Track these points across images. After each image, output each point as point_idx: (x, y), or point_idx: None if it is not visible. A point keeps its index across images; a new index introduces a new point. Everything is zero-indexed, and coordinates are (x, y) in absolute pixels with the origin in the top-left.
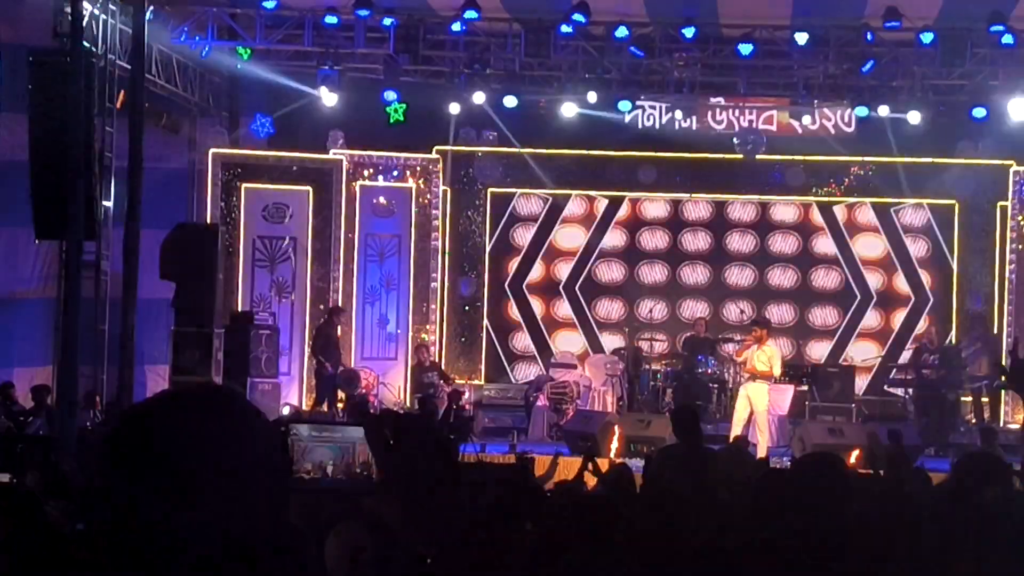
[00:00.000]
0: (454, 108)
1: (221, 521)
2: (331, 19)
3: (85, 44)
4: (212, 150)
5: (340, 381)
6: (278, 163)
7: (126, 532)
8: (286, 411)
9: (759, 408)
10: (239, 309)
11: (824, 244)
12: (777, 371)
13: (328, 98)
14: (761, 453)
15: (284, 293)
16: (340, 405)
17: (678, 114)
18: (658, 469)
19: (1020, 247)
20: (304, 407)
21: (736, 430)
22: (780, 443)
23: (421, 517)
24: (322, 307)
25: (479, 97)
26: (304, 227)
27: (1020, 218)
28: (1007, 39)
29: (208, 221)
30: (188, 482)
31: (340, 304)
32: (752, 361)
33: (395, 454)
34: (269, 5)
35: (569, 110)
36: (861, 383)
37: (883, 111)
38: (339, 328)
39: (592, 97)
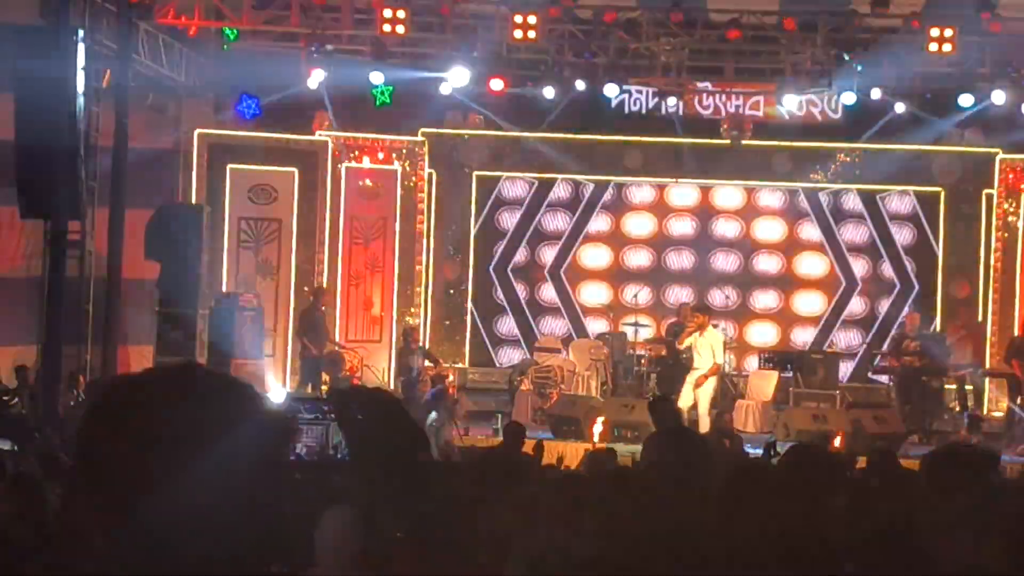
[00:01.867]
0: (444, 89)
1: (202, 498)
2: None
3: (71, 23)
4: (198, 130)
5: (324, 363)
6: (264, 144)
7: (107, 502)
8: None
9: (703, 408)
10: (224, 290)
11: (810, 231)
12: (719, 359)
13: (314, 79)
14: None
15: (269, 274)
16: (324, 387)
17: (666, 99)
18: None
19: (1005, 235)
20: (288, 389)
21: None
22: (764, 429)
23: (390, 493)
24: (307, 289)
25: (465, 78)
26: (289, 209)
27: (1006, 206)
28: (994, 27)
29: (194, 202)
30: (169, 454)
31: (325, 286)
32: (695, 348)
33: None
34: None
35: (555, 94)
36: (845, 370)
37: (875, 94)
38: (324, 310)
39: (580, 82)
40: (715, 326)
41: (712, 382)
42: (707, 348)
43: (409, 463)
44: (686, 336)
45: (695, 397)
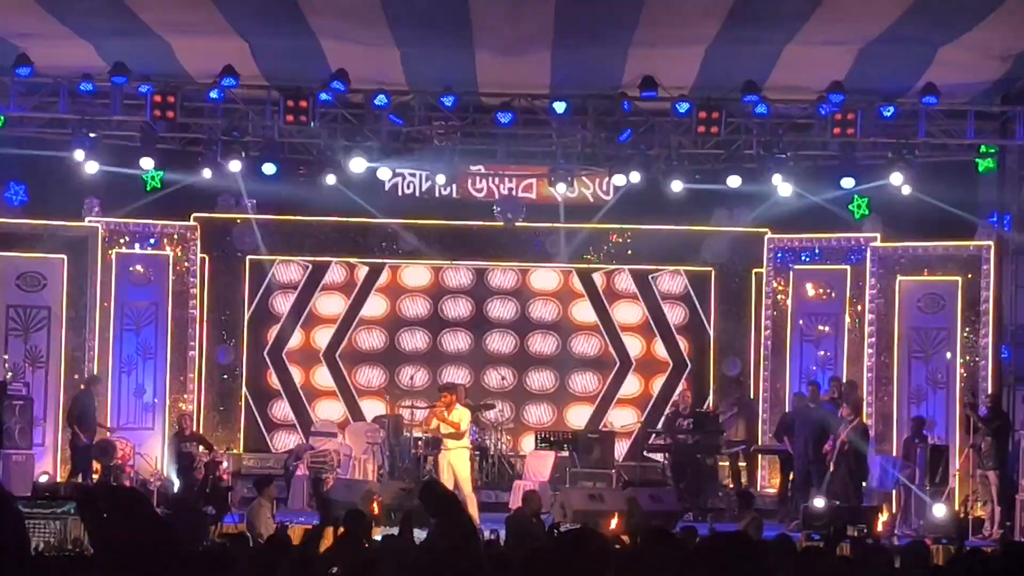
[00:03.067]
0: (211, 175)
1: None
2: (87, 86)
3: None
4: None
5: (95, 452)
6: (32, 231)
7: None
8: (43, 479)
9: (462, 475)
10: None
11: (583, 311)
12: (465, 426)
13: (85, 166)
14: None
15: (38, 363)
16: (95, 476)
17: (439, 181)
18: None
19: (775, 313)
20: (59, 478)
21: None
22: (542, 510)
23: None
24: (77, 377)
25: (236, 165)
26: (59, 296)
27: (775, 284)
28: (760, 109)
29: None
30: None
31: (96, 374)
32: (443, 427)
33: (107, 529)
34: (23, 72)
35: (329, 179)
36: (621, 448)
37: (634, 178)
38: (95, 398)
39: (357, 165)
40: (466, 405)
41: (464, 455)
42: (455, 419)
43: (154, 560)
44: (432, 417)
45: (453, 476)
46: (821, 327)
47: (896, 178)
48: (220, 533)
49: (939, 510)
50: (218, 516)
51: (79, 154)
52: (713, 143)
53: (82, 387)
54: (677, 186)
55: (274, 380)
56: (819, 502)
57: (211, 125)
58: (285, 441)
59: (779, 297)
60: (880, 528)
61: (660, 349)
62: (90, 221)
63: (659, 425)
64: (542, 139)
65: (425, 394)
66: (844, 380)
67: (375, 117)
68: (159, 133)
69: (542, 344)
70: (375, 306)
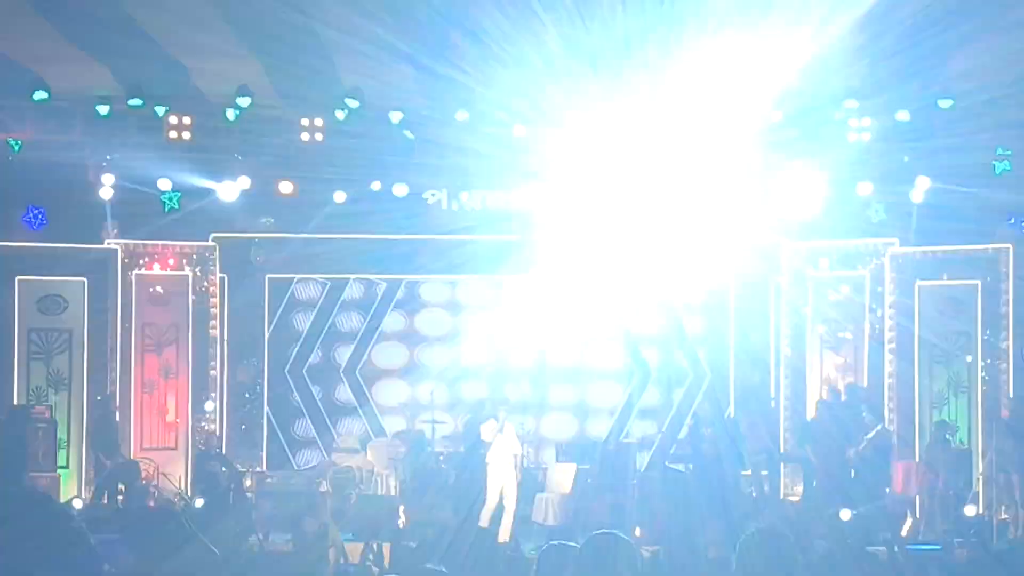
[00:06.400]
0: (231, 194)
1: None
2: (103, 109)
3: None
4: None
5: (120, 473)
6: (52, 254)
7: None
8: (78, 505)
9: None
10: (15, 403)
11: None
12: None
13: (102, 188)
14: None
15: (61, 385)
16: (120, 497)
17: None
18: None
19: (794, 320)
20: (85, 500)
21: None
22: (564, 522)
23: None
24: (99, 399)
25: (252, 183)
26: (80, 318)
27: (793, 291)
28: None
29: None
30: None
31: (118, 395)
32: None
33: None
34: (40, 96)
35: (344, 196)
36: (642, 460)
37: None
38: (117, 419)
39: (374, 183)
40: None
41: (513, 475)
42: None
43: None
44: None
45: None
46: (841, 333)
47: (913, 182)
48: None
49: (963, 515)
50: (242, 533)
51: (96, 177)
52: None
53: (103, 408)
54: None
55: (296, 398)
56: (843, 510)
57: (227, 145)
58: (308, 458)
59: (798, 304)
60: (904, 534)
61: (680, 359)
62: (109, 243)
63: (680, 435)
64: None
65: (445, 408)
66: (865, 386)
67: (388, 133)
68: (176, 154)
69: (562, 355)
70: (394, 321)
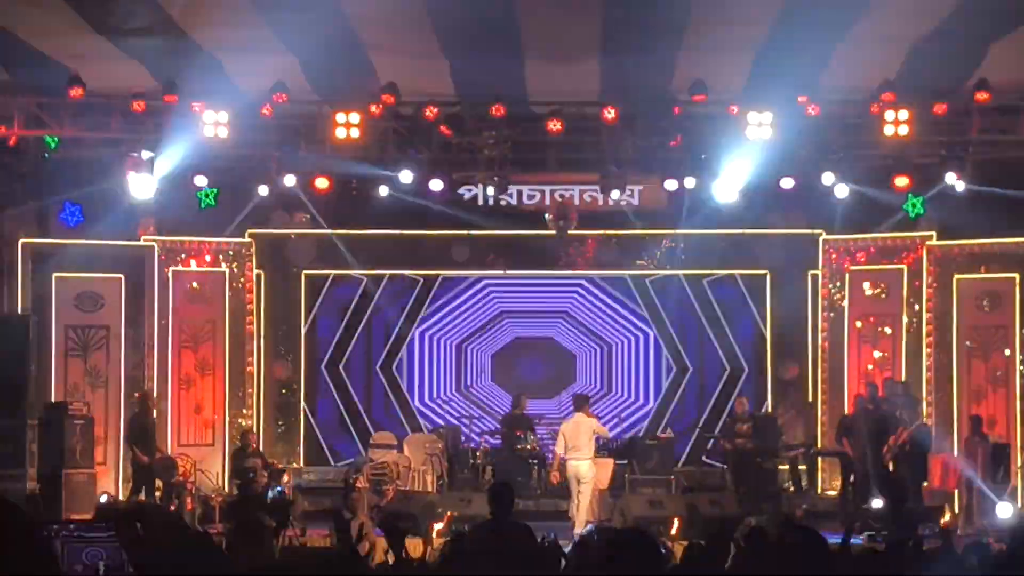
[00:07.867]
0: (265, 191)
1: None
2: (139, 106)
3: None
4: (22, 240)
5: (157, 469)
6: (89, 251)
7: None
8: (103, 499)
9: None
10: (52, 399)
11: (639, 317)
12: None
13: (139, 185)
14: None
15: (98, 382)
16: (158, 494)
17: (490, 192)
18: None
19: (831, 314)
20: (121, 497)
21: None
22: (601, 517)
23: None
24: (137, 395)
25: (290, 179)
26: (117, 315)
27: (831, 286)
28: (813, 110)
29: (20, 311)
30: None
31: (155, 391)
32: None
33: (144, 548)
34: (76, 93)
35: (381, 190)
36: (680, 454)
37: (689, 183)
38: (154, 415)
39: (405, 177)
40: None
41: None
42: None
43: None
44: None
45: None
46: (879, 328)
47: (950, 176)
48: (283, 546)
49: (1004, 509)
50: (279, 528)
51: (133, 173)
52: (765, 145)
53: (139, 405)
54: (722, 191)
55: (332, 393)
56: (880, 504)
57: (264, 141)
58: (344, 454)
59: (835, 298)
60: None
61: (716, 354)
62: (146, 240)
63: (717, 430)
64: (592, 146)
65: (482, 403)
66: (903, 380)
67: (425, 129)
68: (212, 150)
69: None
70: (430, 317)
